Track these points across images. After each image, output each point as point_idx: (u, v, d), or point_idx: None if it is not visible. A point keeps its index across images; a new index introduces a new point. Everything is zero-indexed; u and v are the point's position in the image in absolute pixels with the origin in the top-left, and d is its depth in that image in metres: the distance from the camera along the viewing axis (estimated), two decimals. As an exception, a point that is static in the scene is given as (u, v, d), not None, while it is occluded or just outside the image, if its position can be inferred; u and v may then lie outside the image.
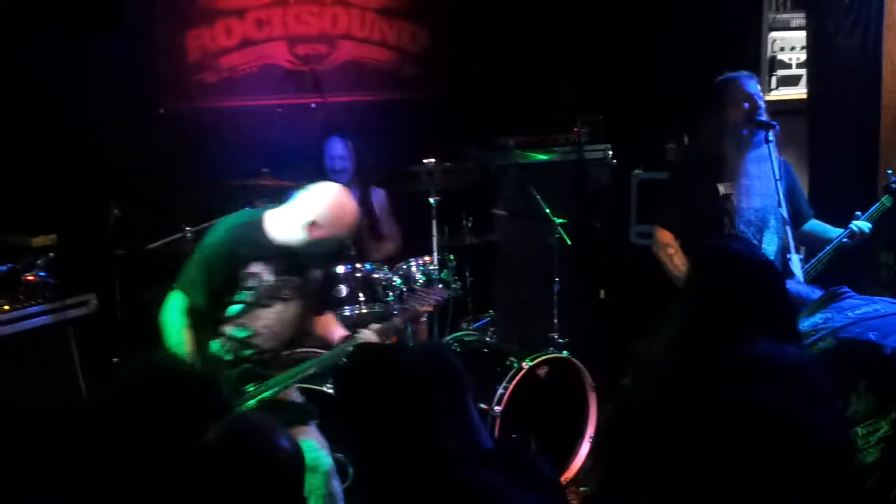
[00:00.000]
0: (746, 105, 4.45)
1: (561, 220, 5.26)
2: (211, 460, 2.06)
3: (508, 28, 6.41)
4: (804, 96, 6.03)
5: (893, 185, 4.38)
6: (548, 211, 5.28)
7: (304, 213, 3.74)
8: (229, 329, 3.80)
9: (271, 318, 3.85)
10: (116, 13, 5.38)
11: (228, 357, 3.78)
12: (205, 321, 3.79)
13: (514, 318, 5.66)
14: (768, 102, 5.93)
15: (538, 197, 5.32)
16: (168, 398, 2.26)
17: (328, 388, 4.55)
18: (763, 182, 4.41)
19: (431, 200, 4.97)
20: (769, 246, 4.49)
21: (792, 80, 6.31)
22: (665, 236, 4.57)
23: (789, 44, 6.29)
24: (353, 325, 4.44)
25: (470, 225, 5.38)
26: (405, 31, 6.53)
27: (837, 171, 5.58)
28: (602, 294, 6.07)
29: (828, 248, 4.41)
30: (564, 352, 5.00)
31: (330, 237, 3.78)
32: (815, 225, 4.67)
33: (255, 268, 3.77)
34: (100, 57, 5.44)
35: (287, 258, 3.81)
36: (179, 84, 6.06)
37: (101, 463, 2.22)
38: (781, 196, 4.25)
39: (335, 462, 4.10)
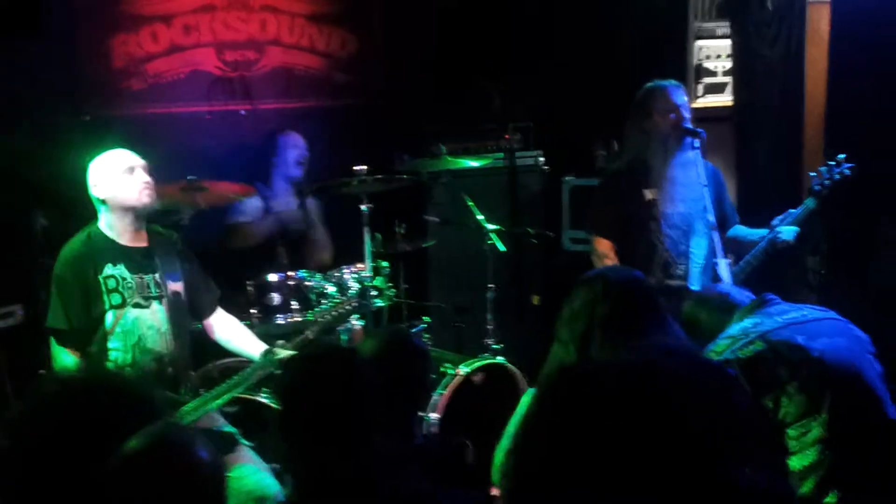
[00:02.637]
0: (672, 115, 4.53)
1: (494, 227, 5.28)
2: (126, 473, 1.99)
3: (439, 35, 6.42)
4: (730, 104, 6.15)
5: (816, 188, 4.48)
6: (480, 217, 5.29)
7: (91, 191, 3.86)
8: (115, 342, 3.80)
9: (153, 319, 3.88)
10: (35, 18, 5.25)
11: (127, 371, 3.77)
12: (89, 344, 3.80)
13: (448, 325, 5.65)
14: (694, 110, 6.07)
15: (470, 203, 5.33)
16: (93, 407, 2.18)
17: (262, 398, 4.51)
18: (689, 188, 4.48)
19: (363, 207, 4.95)
20: (697, 250, 4.56)
21: (717, 88, 6.42)
22: (603, 245, 4.62)
23: (715, 52, 6.40)
24: (287, 333, 4.41)
25: (403, 232, 5.37)
26: (335, 38, 6.50)
27: (763, 177, 5.70)
28: (536, 300, 6.09)
29: (754, 250, 4.50)
30: (500, 358, 5.02)
31: (116, 175, 3.82)
32: (738, 229, 4.76)
33: (110, 270, 3.83)
34: (23, 63, 5.31)
35: (135, 254, 3.89)
36: (105, 90, 5.94)
37: (17, 476, 2.14)
38: (708, 201, 4.34)
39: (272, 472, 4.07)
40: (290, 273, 4.93)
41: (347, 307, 4.25)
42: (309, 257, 5.58)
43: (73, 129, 5.65)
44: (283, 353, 3.93)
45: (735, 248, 4.75)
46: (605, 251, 4.60)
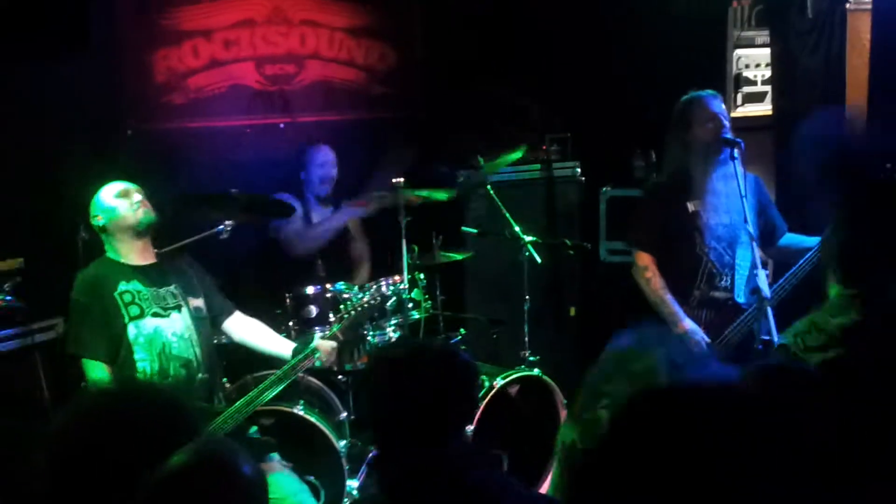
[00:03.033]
0: (710, 125, 4.50)
1: (531, 238, 5.28)
2: (173, 489, 2.00)
3: (478, 47, 6.44)
4: (769, 113, 6.09)
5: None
6: (517, 229, 5.29)
7: (95, 223, 4.00)
8: (140, 353, 3.89)
9: (175, 327, 3.97)
10: (82, 34, 5.35)
11: (157, 381, 3.86)
12: (117, 360, 3.89)
13: (484, 337, 5.65)
14: (734, 119, 6.01)
15: (507, 215, 5.33)
16: (131, 421, 2.20)
17: (298, 410, 4.55)
18: (730, 199, 4.45)
19: (401, 220, 4.97)
20: (742, 261, 4.52)
21: (757, 97, 6.36)
22: (644, 259, 4.59)
23: (754, 61, 6.35)
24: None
25: (440, 244, 5.38)
26: (373, 51, 6.54)
27: (803, 188, 5.63)
28: (572, 311, 6.08)
29: (800, 261, 4.42)
30: (536, 370, 5.01)
31: (113, 203, 3.96)
32: (791, 238, 4.71)
33: (124, 286, 3.94)
34: (67, 78, 5.39)
35: (147, 271, 4.02)
36: (147, 105, 6.03)
37: (59, 490, 2.16)
38: (747, 211, 4.30)
39: (308, 485, 4.11)
40: (327, 286, 4.96)
41: (375, 300, 4.31)
42: (347, 270, 5.61)
43: (116, 142, 5.74)
44: (320, 341, 4.13)
45: (789, 257, 4.59)
46: (646, 264, 4.57)
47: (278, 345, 4.27)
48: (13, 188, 5.25)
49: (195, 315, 4.07)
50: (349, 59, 6.49)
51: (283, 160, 5.85)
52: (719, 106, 4.58)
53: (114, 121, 5.83)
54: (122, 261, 4.02)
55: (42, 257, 4.91)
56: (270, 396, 4.03)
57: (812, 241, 4.49)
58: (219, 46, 6.14)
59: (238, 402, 3.96)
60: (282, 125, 6.18)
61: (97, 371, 3.88)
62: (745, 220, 4.30)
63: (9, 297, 4.51)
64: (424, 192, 5.15)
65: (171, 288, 4.05)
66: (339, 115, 6.43)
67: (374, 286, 4.99)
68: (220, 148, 6.01)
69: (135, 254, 4.04)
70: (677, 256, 4.55)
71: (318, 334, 4.27)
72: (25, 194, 5.28)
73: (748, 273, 4.51)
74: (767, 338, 4.07)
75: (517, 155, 5.46)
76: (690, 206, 4.54)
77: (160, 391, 2.40)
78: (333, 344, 4.18)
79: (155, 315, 3.96)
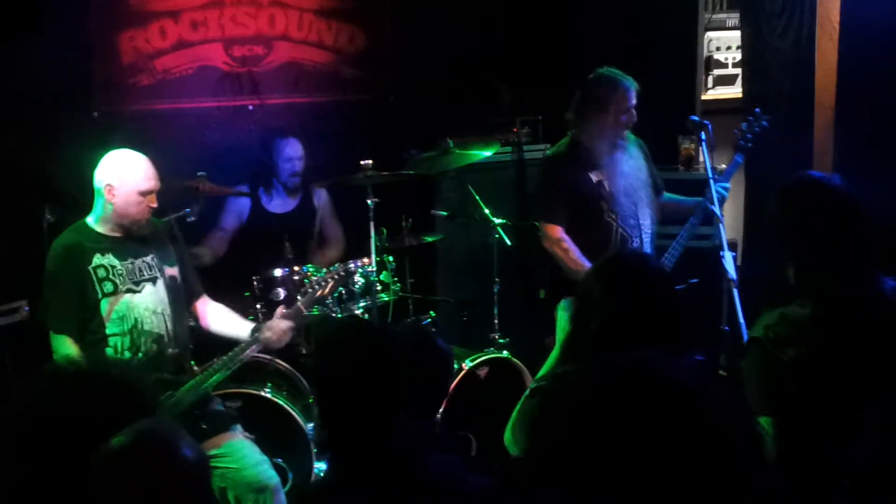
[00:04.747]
0: (625, 118, 4.68)
1: (500, 221, 5.27)
2: (110, 470, 1.98)
3: (448, 29, 6.40)
4: (740, 95, 6.10)
5: (741, 143, 4.77)
6: (487, 211, 5.28)
7: (100, 184, 3.89)
8: (112, 328, 3.87)
9: (148, 301, 3.94)
10: (34, 16, 5.25)
11: (128, 356, 3.82)
12: (87, 334, 3.85)
13: (454, 319, 5.64)
14: (704, 102, 6.06)
15: (477, 197, 5.32)
16: (82, 401, 2.18)
17: (265, 393, 4.53)
18: (628, 164, 4.72)
19: (369, 202, 4.94)
20: (644, 220, 4.76)
21: (728, 80, 6.37)
22: (556, 231, 4.71)
23: (725, 43, 6.36)
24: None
25: (409, 226, 5.36)
26: (343, 33, 6.48)
27: (772, 169, 5.64)
28: (542, 294, 6.06)
29: (685, 229, 4.65)
30: (505, 352, 5.01)
31: (133, 192, 3.86)
32: (670, 196, 5.00)
33: (98, 260, 3.89)
34: (30, 60, 5.34)
35: (124, 242, 3.96)
36: (113, 87, 5.94)
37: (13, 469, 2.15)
38: (646, 173, 4.74)
39: (276, 469, 4.10)
40: (295, 268, 4.93)
41: (334, 278, 4.27)
42: (319, 252, 5.58)
43: (81, 125, 5.67)
44: (268, 332, 4.03)
45: (671, 213, 4.95)
46: (559, 236, 4.68)
47: (242, 330, 4.21)
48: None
49: (170, 284, 4.03)
50: (319, 40, 6.42)
51: (252, 142, 5.81)
52: (634, 100, 4.70)
53: (80, 102, 5.74)
54: (102, 231, 3.95)
55: (6, 240, 4.85)
56: (215, 382, 3.98)
57: (688, 200, 4.83)
58: (186, 27, 6.06)
59: (195, 379, 3.93)
60: (251, 107, 6.12)
61: (64, 346, 3.85)
62: (645, 183, 4.71)
63: (-29, 281, 4.45)
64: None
65: (148, 259, 3.99)
66: (309, 97, 6.37)
67: (342, 266, 4.97)
68: (189, 130, 5.95)
69: (117, 230, 3.97)
70: (587, 225, 4.71)
71: (276, 316, 4.16)
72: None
73: (651, 231, 4.78)
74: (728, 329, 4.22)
75: (490, 150, 5.44)
76: (594, 177, 4.70)
77: (116, 373, 2.36)
78: (288, 324, 4.08)
79: (129, 291, 3.91)
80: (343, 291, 4.88)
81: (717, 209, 4.42)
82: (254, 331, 4.08)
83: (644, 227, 4.74)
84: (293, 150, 5.51)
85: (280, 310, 4.15)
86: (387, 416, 2.48)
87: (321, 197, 5.70)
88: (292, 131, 5.63)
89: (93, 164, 4.00)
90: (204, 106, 6.11)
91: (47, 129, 5.44)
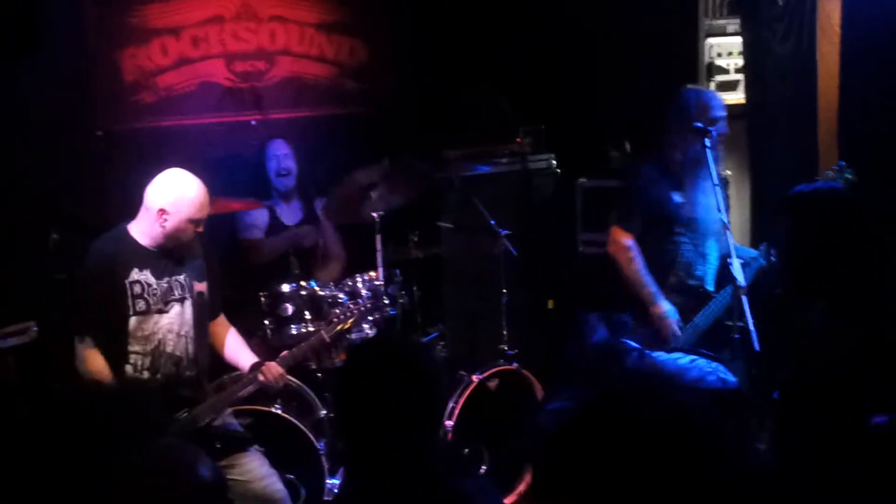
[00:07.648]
0: (712, 129, 4.53)
1: (506, 232, 5.26)
2: (123, 489, 1.97)
3: (447, 41, 6.40)
4: (742, 101, 6.09)
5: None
6: (493, 222, 5.27)
7: (152, 204, 3.86)
8: (135, 346, 3.87)
9: (173, 321, 3.94)
10: (33, 34, 5.25)
11: (146, 375, 3.82)
12: (110, 347, 3.86)
13: (463, 331, 5.63)
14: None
15: (482, 209, 5.31)
16: (89, 420, 2.17)
17: (276, 409, 4.52)
18: (706, 190, 4.52)
19: (375, 215, 4.93)
20: (711, 252, 4.63)
21: (730, 86, 6.35)
22: (626, 238, 4.62)
23: (726, 49, 6.34)
24: (299, 342, 4.42)
25: (416, 239, 5.36)
26: (344, 46, 6.49)
27: (777, 175, 5.64)
28: (550, 304, 6.07)
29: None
30: (514, 364, 5.00)
31: (184, 220, 3.86)
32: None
33: (136, 275, 3.87)
34: (33, 79, 5.33)
35: (162, 258, 3.94)
36: (116, 105, 5.94)
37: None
38: (720, 202, 4.33)
39: (287, 485, 4.09)
40: (302, 283, 4.92)
41: (357, 311, 4.28)
42: (322, 267, 5.57)
43: (85, 143, 5.66)
44: (262, 377, 4.09)
45: None
46: (627, 244, 4.60)
47: (245, 362, 4.22)
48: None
49: (197, 302, 4.02)
50: (320, 54, 6.43)
51: (254, 158, 5.80)
52: (719, 111, 4.63)
53: (82, 121, 5.74)
54: (142, 242, 3.94)
55: (13, 260, 4.83)
56: (206, 421, 3.97)
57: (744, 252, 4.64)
58: (187, 44, 6.06)
59: (201, 405, 3.94)
60: (253, 122, 6.11)
61: (88, 353, 3.86)
62: (719, 210, 4.34)
63: (-22, 302, 4.44)
64: None
65: (181, 278, 4.00)
66: (311, 111, 6.37)
67: (350, 282, 4.96)
68: (192, 146, 5.93)
69: (157, 243, 3.97)
70: (657, 243, 4.62)
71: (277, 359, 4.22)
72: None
73: (717, 263, 4.63)
74: (742, 325, 4.12)
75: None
76: (677, 198, 4.61)
77: (120, 394, 2.36)
78: (282, 371, 4.15)
79: (158, 311, 3.92)
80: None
81: (724, 216, 4.38)
82: (253, 367, 4.11)
83: (710, 259, 4.65)
84: (278, 148, 5.54)
85: (283, 353, 4.23)
86: (423, 436, 2.46)
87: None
88: (293, 136, 5.66)
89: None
90: (207, 122, 6.11)
91: (51, 148, 5.42)
